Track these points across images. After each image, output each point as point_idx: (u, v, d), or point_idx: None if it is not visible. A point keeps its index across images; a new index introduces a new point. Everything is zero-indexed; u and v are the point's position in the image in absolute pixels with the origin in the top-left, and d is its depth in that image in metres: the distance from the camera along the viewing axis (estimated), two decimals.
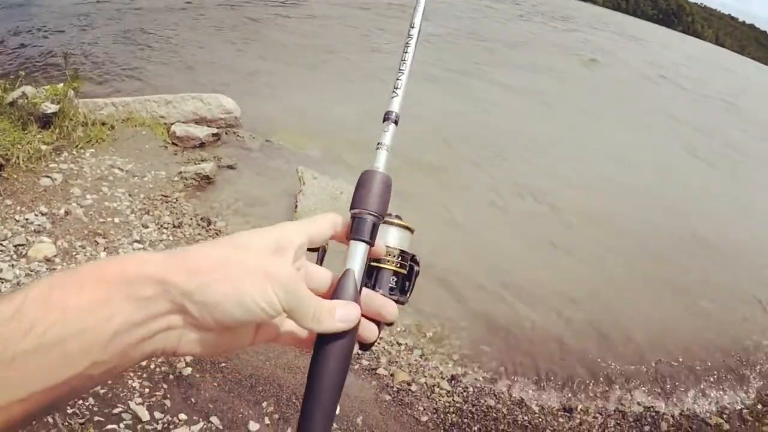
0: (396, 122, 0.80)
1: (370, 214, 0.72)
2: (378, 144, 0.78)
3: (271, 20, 16.29)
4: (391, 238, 0.80)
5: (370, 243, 0.72)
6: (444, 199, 7.31)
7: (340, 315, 0.64)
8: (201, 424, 3.19)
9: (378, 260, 0.78)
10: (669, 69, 28.61)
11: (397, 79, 0.82)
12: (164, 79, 9.51)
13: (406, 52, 0.84)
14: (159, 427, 3.11)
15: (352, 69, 12.69)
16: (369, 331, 0.70)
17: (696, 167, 12.52)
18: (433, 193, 7.39)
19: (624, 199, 9.20)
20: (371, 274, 0.78)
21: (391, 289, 0.78)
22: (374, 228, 0.72)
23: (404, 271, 0.80)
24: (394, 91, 0.81)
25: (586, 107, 14.86)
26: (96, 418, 3.02)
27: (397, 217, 0.82)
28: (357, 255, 0.71)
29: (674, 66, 31.65)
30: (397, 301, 0.78)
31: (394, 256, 0.79)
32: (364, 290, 0.72)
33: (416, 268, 0.82)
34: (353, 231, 0.71)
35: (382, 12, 21.25)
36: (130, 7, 14.18)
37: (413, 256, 0.82)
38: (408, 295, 0.80)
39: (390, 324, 0.75)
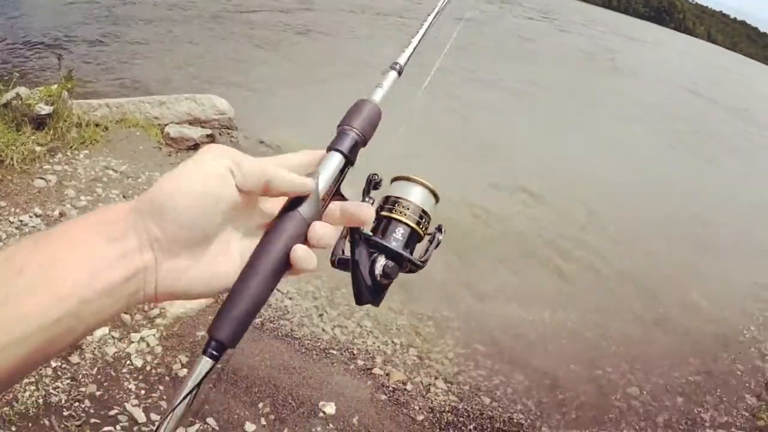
0: (399, 73, 0.82)
1: (354, 131, 0.71)
2: (377, 85, 0.80)
3: (265, 21, 16.26)
4: (414, 194, 0.81)
5: (348, 157, 0.70)
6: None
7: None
8: (198, 425, 3.20)
9: (391, 211, 0.79)
10: (663, 67, 28.70)
11: (412, 38, 0.87)
12: (158, 79, 9.49)
13: (426, 20, 0.91)
14: (155, 428, 3.11)
15: (347, 69, 12.68)
16: (326, 236, 0.66)
17: (690, 164, 12.58)
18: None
19: (617, 199, 9.24)
20: (378, 226, 0.78)
21: (397, 241, 0.77)
22: (355, 145, 0.71)
23: (419, 230, 0.79)
24: (405, 48, 0.85)
25: (583, 107, 14.91)
26: (92, 420, 3.02)
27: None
28: (329, 163, 0.69)
29: (667, 63, 31.74)
30: (411, 264, 0.77)
31: (410, 210, 0.79)
32: (337, 202, 0.70)
33: (439, 236, 0.82)
34: (333, 142, 0.71)
35: (375, 14, 21.24)
36: (123, 9, 14.13)
37: (440, 225, 0.83)
38: (424, 262, 0.79)
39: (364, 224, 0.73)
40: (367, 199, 0.77)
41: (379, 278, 0.75)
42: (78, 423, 2.97)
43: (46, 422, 2.91)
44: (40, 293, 0.50)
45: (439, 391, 4.16)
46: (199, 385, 0.59)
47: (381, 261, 0.75)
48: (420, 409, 3.93)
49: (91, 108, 6.77)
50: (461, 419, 3.96)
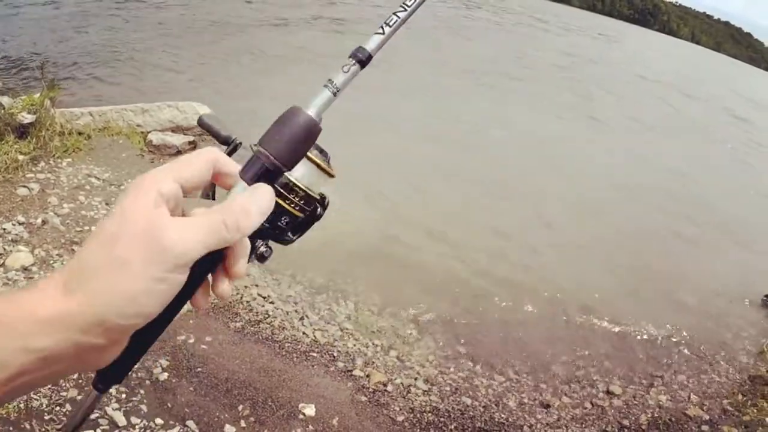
0: (363, 63, 0.65)
1: (269, 159, 0.57)
2: (328, 81, 0.64)
3: (246, 27, 16.27)
4: (298, 171, 0.67)
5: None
6: (422, 198, 7.38)
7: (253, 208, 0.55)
8: (177, 428, 3.23)
9: (280, 196, 0.66)
10: (653, 69, 28.92)
11: (388, 20, 0.67)
12: (140, 87, 9.51)
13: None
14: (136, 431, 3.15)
15: (329, 72, 12.70)
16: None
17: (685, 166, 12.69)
18: (414, 193, 7.45)
19: (606, 196, 9.32)
20: None
21: (278, 229, 0.68)
22: (267, 176, 0.58)
23: (301, 215, 0.69)
24: (378, 29, 0.67)
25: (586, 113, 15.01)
26: None
27: (323, 153, 0.70)
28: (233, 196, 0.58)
29: (658, 63, 31.98)
30: (282, 241, 0.70)
31: (297, 197, 0.68)
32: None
33: (320, 210, 0.72)
34: (243, 168, 0.58)
35: (358, 18, 21.28)
36: (105, 19, 14.10)
37: (322, 198, 0.71)
38: (293, 240, 0.72)
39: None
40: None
41: None
42: (59, 427, 3.00)
43: (27, 426, 2.94)
44: None
45: (420, 392, 4.21)
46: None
47: None
48: (400, 409, 3.98)
49: (74, 116, 6.78)
50: (442, 419, 4.01)
